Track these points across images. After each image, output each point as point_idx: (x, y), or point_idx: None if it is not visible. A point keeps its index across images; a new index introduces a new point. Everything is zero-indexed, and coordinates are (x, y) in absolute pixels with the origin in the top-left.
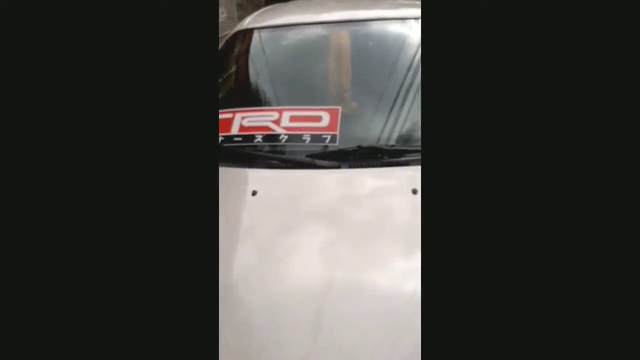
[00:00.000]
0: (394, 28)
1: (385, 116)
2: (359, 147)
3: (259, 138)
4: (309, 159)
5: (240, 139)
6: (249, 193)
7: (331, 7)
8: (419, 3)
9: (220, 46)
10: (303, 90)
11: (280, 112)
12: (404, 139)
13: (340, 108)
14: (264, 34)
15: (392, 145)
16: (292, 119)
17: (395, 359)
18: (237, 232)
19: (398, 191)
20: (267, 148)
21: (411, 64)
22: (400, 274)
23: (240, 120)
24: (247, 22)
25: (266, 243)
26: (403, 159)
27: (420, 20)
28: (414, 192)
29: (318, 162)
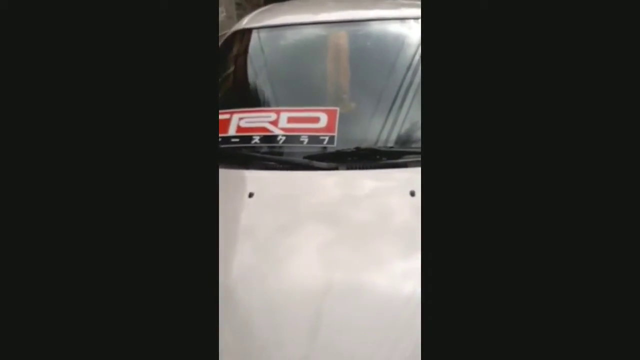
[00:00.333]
0: (392, 28)
1: (384, 117)
2: (357, 148)
3: (256, 139)
4: (306, 161)
5: (237, 140)
6: (246, 195)
7: (329, 7)
8: (418, 3)
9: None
10: (301, 90)
11: (278, 113)
12: (403, 140)
13: (338, 109)
14: (262, 34)
15: (391, 147)
16: (290, 120)
17: None
18: (234, 234)
19: (396, 193)
20: (265, 149)
21: (410, 65)
22: (398, 275)
23: (237, 121)
24: (245, 22)
25: (263, 245)
26: (401, 160)
27: (419, 20)
28: (412, 194)
29: (316, 163)
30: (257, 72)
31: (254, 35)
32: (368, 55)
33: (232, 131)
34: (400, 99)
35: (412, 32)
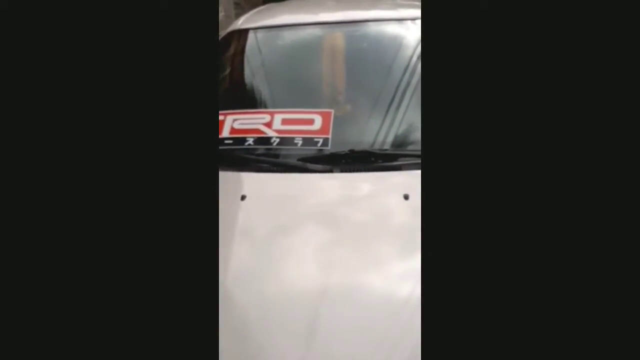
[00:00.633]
0: (389, 29)
1: (379, 120)
2: (352, 151)
3: (250, 141)
4: (300, 163)
5: (231, 141)
6: (238, 197)
7: (326, 8)
8: (416, 4)
9: None
10: (296, 92)
11: (272, 114)
12: (398, 143)
13: (332, 111)
14: (257, 34)
15: (385, 150)
16: (284, 121)
17: None
18: (227, 237)
19: (390, 196)
20: (258, 151)
21: (407, 67)
22: (393, 277)
23: (231, 123)
24: (241, 22)
25: (256, 247)
26: (396, 163)
27: (417, 21)
28: (406, 197)
29: (310, 165)
30: (252, 73)
31: (250, 35)
32: (364, 57)
33: (225, 133)
34: (396, 102)
35: (409, 33)
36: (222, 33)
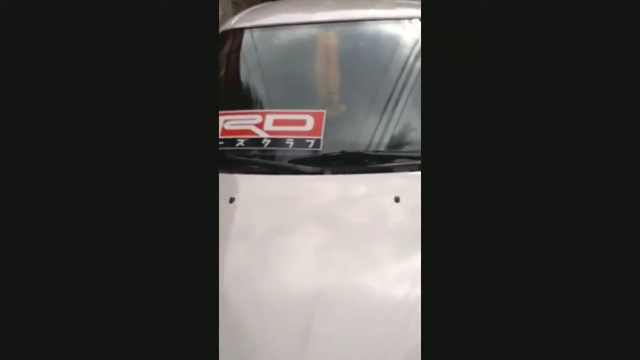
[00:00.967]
0: (384, 29)
1: (372, 121)
2: (343, 152)
3: (241, 142)
4: (290, 165)
5: (222, 143)
6: (227, 200)
7: (320, 7)
8: (414, 3)
9: None
10: (289, 92)
11: (263, 115)
12: (391, 144)
13: (324, 112)
14: (250, 34)
15: (377, 151)
16: (276, 122)
17: None
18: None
19: (381, 198)
20: (249, 152)
21: (402, 67)
22: (385, 281)
23: (222, 124)
24: (234, 22)
25: (243, 249)
26: (388, 165)
27: (413, 21)
28: (397, 200)
29: (300, 167)
30: (244, 73)
31: (242, 35)
32: (358, 57)
33: None
34: (390, 102)
35: (405, 33)
36: None
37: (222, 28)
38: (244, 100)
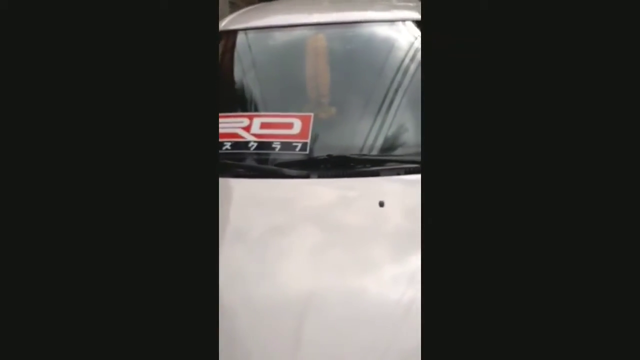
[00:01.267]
0: (376, 31)
1: (361, 124)
2: (329, 156)
3: (227, 145)
4: (276, 168)
5: None
6: None
7: (313, 9)
8: (409, 5)
9: None
10: (278, 95)
11: (251, 118)
12: (379, 148)
13: (312, 115)
14: (241, 36)
15: (364, 155)
16: (263, 125)
17: None
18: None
19: (365, 203)
20: (235, 156)
21: (393, 70)
22: (370, 285)
23: None
24: (224, 24)
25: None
26: (375, 169)
27: (406, 23)
28: (381, 204)
29: (286, 171)
30: (234, 75)
31: (232, 37)
32: (349, 59)
33: None
34: (380, 106)
35: (397, 36)
36: None
37: None
38: (233, 103)
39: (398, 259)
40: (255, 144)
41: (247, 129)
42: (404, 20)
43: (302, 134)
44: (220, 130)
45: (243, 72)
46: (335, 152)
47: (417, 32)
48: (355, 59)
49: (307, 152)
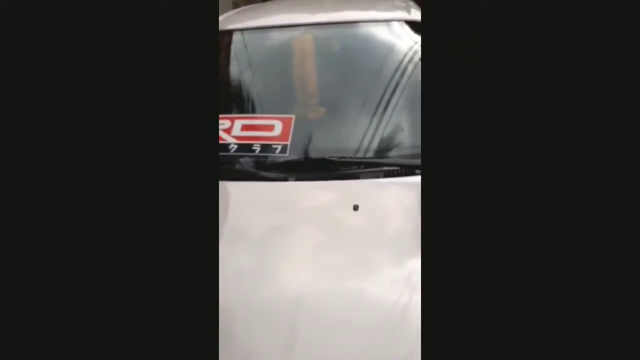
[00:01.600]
0: (366, 31)
1: (344, 126)
2: (308, 158)
3: None
4: (254, 171)
5: None
6: None
7: (306, 10)
8: (401, 5)
9: None
10: (264, 96)
11: (232, 120)
12: (359, 150)
13: (293, 117)
14: (230, 37)
15: (343, 158)
16: (244, 127)
17: None
18: None
19: (340, 206)
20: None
21: (381, 72)
22: (351, 290)
23: None
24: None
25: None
26: (353, 171)
27: (401, 24)
28: (355, 208)
29: (263, 173)
30: (223, 76)
31: (224, 38)
32: (337, 60)
33: None
34: (363, 108)
35: (387, 37)
36: None
37: None
38: (222, 104)
39: (376, 263)
40: (236, 146)
41: (228, 131)
42: (394, 20)
43: (283, 136)
44: None
45: (229, 73)
46: (315, 155)
47: (410, 33)
48: (343, 60)
49: (287, 154)
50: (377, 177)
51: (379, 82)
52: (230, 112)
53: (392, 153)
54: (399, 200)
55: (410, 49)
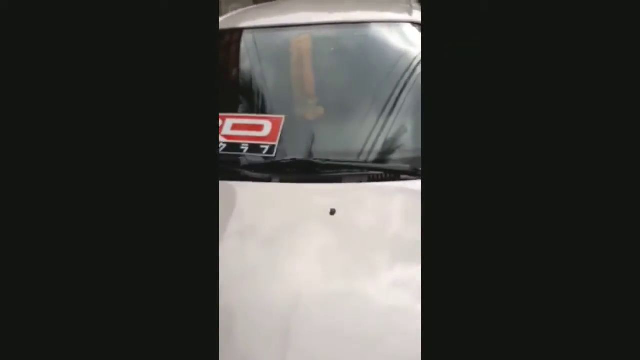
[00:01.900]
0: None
1: (336, 129)
2: (293, 160)
3: None
4: (238, 170)
5: None
6: None
7: (304, 10)
8: (402, 6)
9: None
10: (261, 96)
11: (224, 119)
12: (347, 154)
13: (283, 117)
14: (227, 37)
15: (328, 160)
16: (235, 127)
17: None
18: None
19: (317, 210)
20: None
21: (377, 73)
22: (335, 295)
23: None
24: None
25: None
26: (338, 174)
27: (400, 25)
28: (332, 212)
29: (248, 173)
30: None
31: (222, 37)
32: (336, 60)
33: None
34: (355, 110)
35: (384, 37)
36: None
37: None
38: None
39: (360, 267)
40: (225, 145)
41: (219, 129)
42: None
43: (271, 136)
44: None
45: (231, 72)
46: (301, 157)
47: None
48: (342, 60)
49: (274, 155)
50: (361, 181)
51: (373, 86)
52: (230, 112)
53: (379, 157)
54: (381, 205)
55: (407, 51)
